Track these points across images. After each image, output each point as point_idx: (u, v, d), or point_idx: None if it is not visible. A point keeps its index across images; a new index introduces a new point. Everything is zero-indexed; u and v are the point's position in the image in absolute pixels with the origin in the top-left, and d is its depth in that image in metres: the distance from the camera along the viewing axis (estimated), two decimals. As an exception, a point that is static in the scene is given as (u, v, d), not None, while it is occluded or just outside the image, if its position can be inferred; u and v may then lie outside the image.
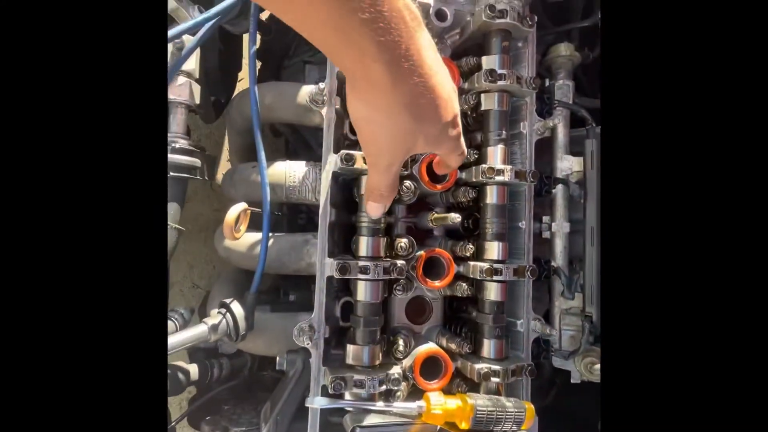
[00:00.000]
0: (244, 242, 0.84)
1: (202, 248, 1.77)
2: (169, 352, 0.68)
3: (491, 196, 0.74)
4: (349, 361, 0.66)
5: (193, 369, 0.87)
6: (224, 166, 1.89)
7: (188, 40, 0.64)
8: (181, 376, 0.83)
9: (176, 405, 1.37)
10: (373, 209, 0.57)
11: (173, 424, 0.98)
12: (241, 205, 0.69)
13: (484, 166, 0.72)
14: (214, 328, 0.71)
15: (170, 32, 0.59)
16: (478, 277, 0.71)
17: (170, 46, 0.64)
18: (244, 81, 1.62)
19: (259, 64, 1.46)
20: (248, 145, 1.11)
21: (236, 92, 1.42)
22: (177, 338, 0.69)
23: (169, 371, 0.81)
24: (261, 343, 0.82)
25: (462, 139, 0.51)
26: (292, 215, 1.09)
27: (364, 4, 0.32)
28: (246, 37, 1.10)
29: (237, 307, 0.74)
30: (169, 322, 0.83)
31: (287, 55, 1.18)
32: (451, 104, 0.44)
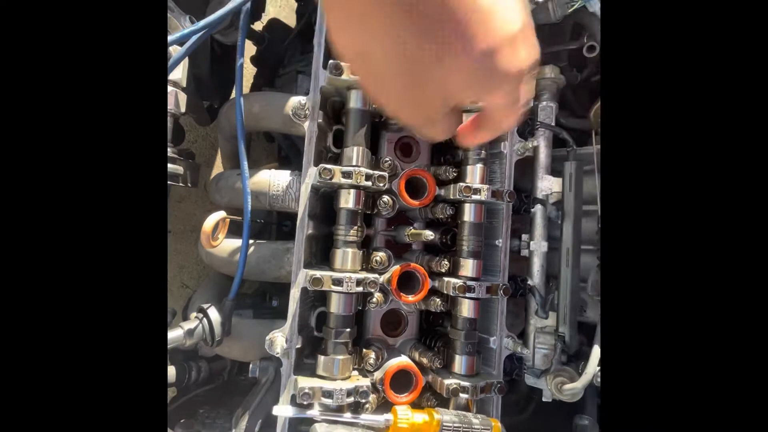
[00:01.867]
0: (225, 248, 0.86)
1: (193, 249, 1.78)
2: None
3: (468, 214, 0.75)
4: (320, 371, 0.67)
5: (171, 371, 0.88)
6: (218, 168, 1.91)
7: (176, 50, 0.66)
8: (157, 378, 0.84)
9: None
10: (434, 134, 0.33)
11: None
12: (220, 214, 0.70)
13: (461, 184, 0.73)
14: (189, 332, 0.72)
15: (157, 44, 0.60)
16: (452, 294, 0.72)
17: (158, 57, 0.66)
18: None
19: (254, 71, 1.49)
20: (237, 150, 1.13)
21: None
22: (152, 341, 0.70)
23: (145, 373, 0.82)
24: (237, 348, 0.83)
25: (524, 82, 0.30)
26: (278, 223, 1.11)
27: None
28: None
29: (214, 313, 0.75)
30: (149, 324, 0.85)
31: (281, 64, 1.21)
32: (501, 17, 0.26)
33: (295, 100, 0.74)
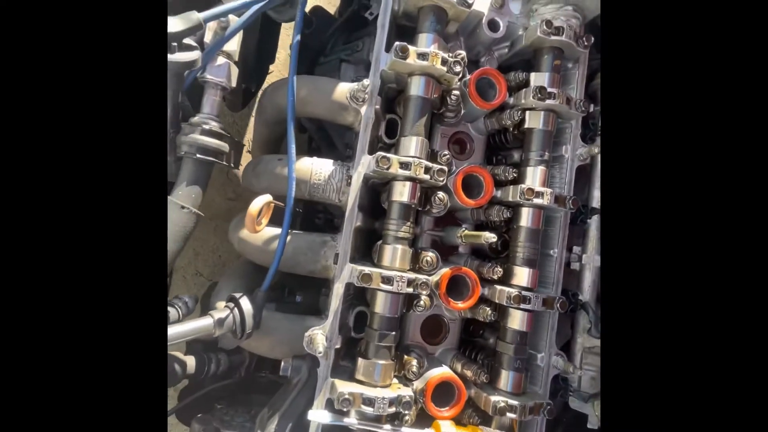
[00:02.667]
0: (260, 236, 0.81)
1: (210, 236, 1.74)
2: (169, 343, 0.65)
3: (526, 218, 0.70)
4: (359, 376, 0.62)
5: (191, 361, 0.83)
6: (245, 157, 1.87)
7: (233, 21, 0.62)
8: (177, 367, 0.79)
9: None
10: None
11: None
12: (266, 197, 0.66)
13: (523, 186, 0.68)
14: (220, 322, 0.67)
15: (217, 9, 0.56)
16: (505, 303, 0.66)
17: (214, 24, 0.62)
18: (273, 74, 1.61)
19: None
20: (274, 137, 1.09)
21: (267, 83, 1.40)
22: (180, 329, 0.65)
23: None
24: (266, 343, 0.78)
25: None
26: (308, 214, 1.06)
27: None
28: (285, 27, 1.08)
29: (246, 303, 0.70)
30: (172, 310, 0.80)
31: (323, 52, 1.16)
32: None
33: (350, 84, 0.70)
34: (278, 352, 0.78)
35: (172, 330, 0.65)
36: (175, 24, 0.52)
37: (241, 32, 0.68)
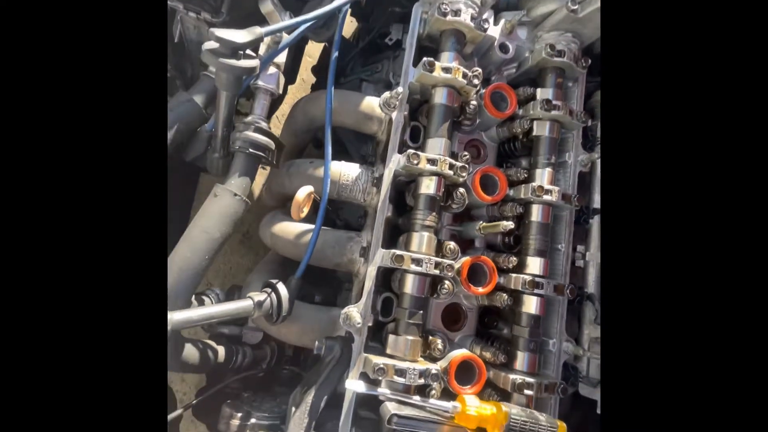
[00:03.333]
0: (291, 230, 0.88)
1: (238, 246, 1.78)
2: (210, 321, 0.70)
3: (537, 214, 0.78)
4: (389, 350, 0.67)
5: (221, 351, 0.87)
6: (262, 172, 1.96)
7: (284, 37, 0.72)
8: (210, 354, 0.83)
9: (180, 394, 1.34)
10: None
11: (181, 411, 0.96)
12: (309, 188, 0.73)
13: (534, 184, 0.76)
14: (259, 304, 0.73)
15: (275, 26, 0.66)
16: (520, 289, 0.73)
17: (267, 39, 0.72)
18: (290, 94, 1.72)
19: (313, 80, 1.58)
20: (297, 147, 1.18)
21: (281, 109, 1.50)
22: (222, 308, 0.71)
23: (200, 347, 0.81)
24: (295, 330, 0.83)
25: None
26: (327, 223, 1.13)
27: None
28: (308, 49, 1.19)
29: (282, 289, 0.76)
30: (206, 299, 0.85)
31: (343, 74, 1.28)
32: None
33: (370, 106, 0.79)
34: (306, 339, 0.83)
35: (215, 309, 0.70)
36: (241, 36, 0.61)
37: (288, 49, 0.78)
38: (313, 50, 1.58)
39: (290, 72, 1.28)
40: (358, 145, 1.09)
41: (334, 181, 0.86)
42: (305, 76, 1.67)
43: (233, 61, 0.62)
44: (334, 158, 1.25)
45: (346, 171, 0.87)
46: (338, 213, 1.11)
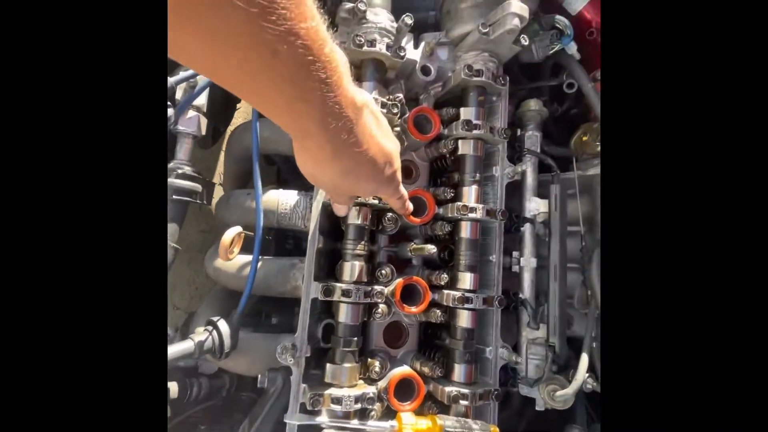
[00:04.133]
0: (233, 264, 0.89)
1: (185, 269, 1.78)
2: (153, 367, 0.71)
3: (465, 231, 0.82)
4: (328, 379, 0.70)
5: (173, 387, 0.88)
6: (218, 189, 1.94)
7: (202, 79, 0.72)
8: (161, 392, 0.84)
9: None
10: (338, 210, 0.70)
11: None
12: (237, 229, 0.75)
13: (459, 203, 0.80)
14: (200, 344, 0.75)
15: (185, 74, 0.66)
16: (451, 305, 0.77)
17: (184, 84, 0.72)
18: (241, 110, 1.71)
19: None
20: (243, 172, 1.18)
21: (233, 124, 1.50)
22: (163, 353, 0.72)
23: (149, 387, 0.82)
24: (243, 361, 0.85)
25: (400, 188, 0.59)
26: (279, 240, 1.15)
27: (317, 92, 0.35)
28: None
29: (223, 325, 0.77)
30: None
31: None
32: (389, 165, 0.50)
33: None
34: (256, 369, 0.85)
35: (156, 355, 0.72)
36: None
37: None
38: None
39: (231, 102, 1.27)
40: (297, 179, 1.11)
41: (272, 210, 0.87)
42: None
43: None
44: (286, 180, 1.27)
45: (284, 199, 0.89)
46: (287, 235, 1.12)
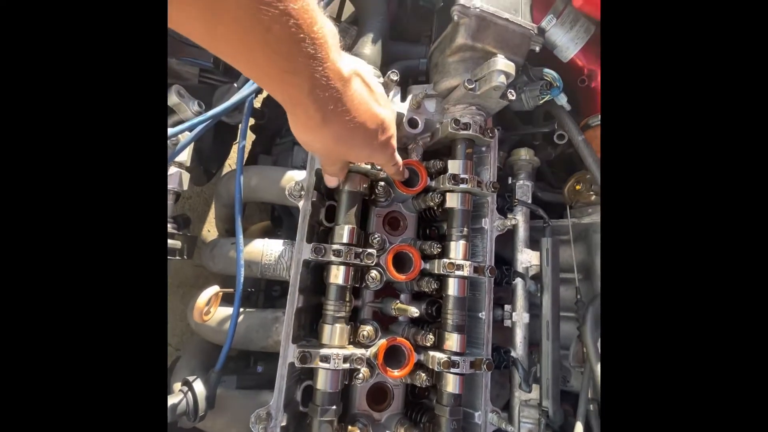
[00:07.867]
0: (215, 317, 0.87)
1: (178, 304, 1.75)
2: None
3: (452, 288, 0.79)
4: (304, 451, 0.67)
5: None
6: (211, 223, 1.94)
7: (184, 136, 0.72)
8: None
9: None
10: (329, 181, 0.72)
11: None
12: (213, 289, 0.73)
13: (445, 260, 0.77)
14: (173, 408, 0.71)
15: (170, 131, 0.66)
16: (437, 369, 0.73)
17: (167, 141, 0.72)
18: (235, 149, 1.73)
19: (253, 137, 1.58)
20: (232, 216, 1.17)
21: (227, 166, 1.51)
22: (134, 418, 0.69)
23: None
24: (220, 423, 0.81)
25: (395, 154, 0.62)
26: (267, 287, 1.13)
27: (306, 67, 0.39)
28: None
29: (198, 386, 0.74)
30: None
31: (279, 134, 1.29)
32: (382, 131, 0.53)
33: (290, 180, 0.80)
34: (233, 430, 0.81)
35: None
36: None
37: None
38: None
39: (225, 138, 1.28)
40: (290, 219, 1.10)
41: (256, 261, 0.85)
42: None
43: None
44: (279, 217, 1.25)
45: (268, 250, 0.87)
46: (273, 282, 1.10)
